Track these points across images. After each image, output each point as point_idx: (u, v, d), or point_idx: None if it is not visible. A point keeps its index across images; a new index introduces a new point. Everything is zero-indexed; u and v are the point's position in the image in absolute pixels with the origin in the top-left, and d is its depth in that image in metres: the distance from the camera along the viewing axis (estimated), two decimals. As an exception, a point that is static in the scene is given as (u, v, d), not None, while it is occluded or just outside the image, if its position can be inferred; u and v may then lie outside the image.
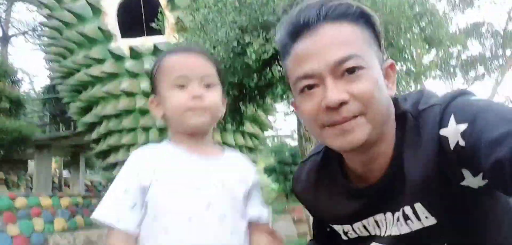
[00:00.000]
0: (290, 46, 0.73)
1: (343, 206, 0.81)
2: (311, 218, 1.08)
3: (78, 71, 9.01)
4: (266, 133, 11.87)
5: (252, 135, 9.83)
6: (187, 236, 0.82)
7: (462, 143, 0.62)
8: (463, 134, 0.62)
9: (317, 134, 0.74)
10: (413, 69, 4.91)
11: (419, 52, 4.82)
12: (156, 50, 8.26)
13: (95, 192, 12.17)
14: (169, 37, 8.23)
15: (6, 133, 8.83)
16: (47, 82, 12.51)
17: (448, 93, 0.71)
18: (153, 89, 0.96)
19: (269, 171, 14.97)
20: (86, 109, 9.22)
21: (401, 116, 0.74)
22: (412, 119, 0.72)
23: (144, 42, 8.53)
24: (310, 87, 0.70)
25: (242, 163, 0.96)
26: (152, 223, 0.83)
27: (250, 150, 10.29)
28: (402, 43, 4.59)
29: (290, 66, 0.74)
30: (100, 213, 0.83)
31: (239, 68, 4.47)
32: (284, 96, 6.67)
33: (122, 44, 8.62)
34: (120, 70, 8.47)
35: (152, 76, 0.96)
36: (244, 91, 5.39)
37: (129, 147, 8.43)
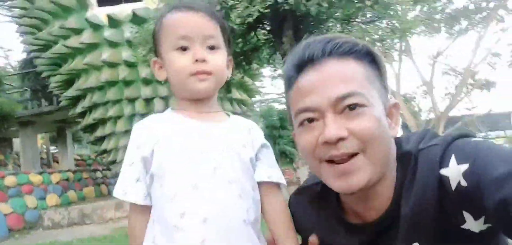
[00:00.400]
0: (294, 78, 0.74)
1: (340, 239, 0.81)
2: (301, 180, 1.07)
3: (55, 43, 8.67)
4: (254, 99, 11.86)
5: (239, 101, 9.79)
6: (194, 202, 0.79)
7: (463, 183, 0.61)
8: (465, 174, 0.61)
9: (315, 168, 0.74)
10: (398, 25, 4.87)
11: (404, 8, 4.77)
12: (135, 17, 7.97)
13: (85, 166, 12.11)
14: (148, 2, 7.92)
15: (-14, 112, 8.60)
16: (24, 55, 12.01)
17: (449, 134, 0.70)
18: (155, 50, 0.91)
19: (258, 135, 15.00)
20: (68, 83, 8.97)
21: (402, 157, 0.73)
22: (413, 159, 0.70)
23: (123, 10, 8.19)
24: (310, 120, 0.71)
25: (248, 127, 0.92)
26: (160, 191, 0.81)
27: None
28: (388, -1, 4.53)
29: (293, 98, 0.74)
30: (115, 189, 0.85)
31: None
32: (270, 60, 6.61)
33: (99, 12, 8.26)
34: (100, 39, 8.17)
35: (154, 35, 0.91)
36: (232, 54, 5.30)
37: (115, 119, 8.32)
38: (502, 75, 19.66)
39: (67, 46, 8.32)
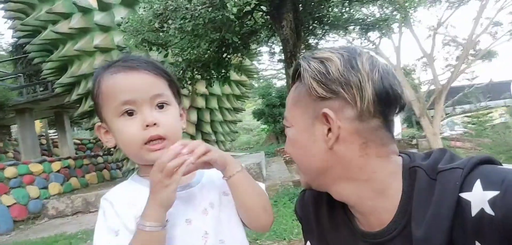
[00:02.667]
0: None
1: (347, 242, 0.81)
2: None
3: (44, 28, 8.39)
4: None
5: (239, 83, 9.64)
6: None
7: (489, 211, 0.59)
8: (493, 203, 0.59)
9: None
10: (400, 3, 4.69)
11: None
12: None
13: (85, 150, 12.07)
14: (138, -18, 7.61)
15: (-22, 100, 8.45)
16: (14, 40, 11.67)
17: (472, 157, 0.67)
18: (97, 112, 0.81)
19: (258, 114, 15.08)
20: (61, 69, 8.76)
21: (413, 170, 0.71)
22: (426, 177, 0.68)
23: (112, -9, 7.86)
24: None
25: (215, 172, 0.84)
26: None
27: (238, 97, 10.15)
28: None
29: None
30: None
31: (219, 23, 4.18)
32: (268, 42, 6.41)
33: (88, -5, 7.94)
34: (90, 24, 7.90)
35: (93, 98, 0.81)
36: (226, 42, 5.12)
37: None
38: (503, 45, 19.41)
39: (56, 32, 8.05)
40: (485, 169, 0.64)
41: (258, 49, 8.56)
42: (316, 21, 5.39)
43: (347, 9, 4.99)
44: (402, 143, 11.10)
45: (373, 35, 8.23)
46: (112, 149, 9.53)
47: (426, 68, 9.73)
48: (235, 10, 3.61)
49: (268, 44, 6.35)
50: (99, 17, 7.84)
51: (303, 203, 0.91)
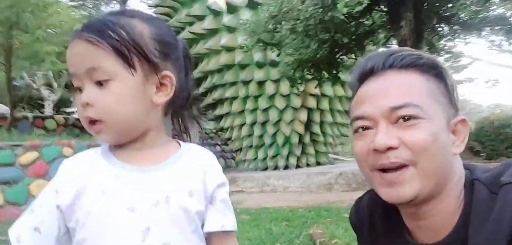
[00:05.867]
0: (356, 88, 0.76)
1: None
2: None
3: (183, 29, 9.69)
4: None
5: (351, 84, 9.29)
6: None
7: None
8: None
9: (366, 176, 0.74)
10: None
11: None
12: (250, 1, 8.27)
13: (208, 139, 13.53)
14: (263, -15, 8.11)
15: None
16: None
17: None
18: None
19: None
20: (193, 65, 9.98)
21: (471, 185, 0.69)
22: (486, 190, 0.67)
23: (240, -5, 8.58)
24: (364, 128, 0.71)
25: (202, 166, 0.71)
26: None
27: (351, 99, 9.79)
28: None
29: (352, 107, 0.76)
30: (12, 228, 0.68)
31: (329, 23, 4.14)
32: (387, 43, 6.01)
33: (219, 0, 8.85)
34: (219, 25, 8.78)
35: None
36: (339, 43, 5.03)
37: (231, 100, 8.95)
38: None
39: (192, 32, 9.22)
40: None
41: (375, 50, 8.10)
42: (443, 21, 4.80)
43: (485, 6, 4.29)
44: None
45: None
46: (228, 142, 10.36)
47: None
48: (345, 10, 3.53)
49: (387, 45, 5.95)
50: (227, 19, 8.65)
51: (357, 212, 0.90)
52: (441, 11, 4.60)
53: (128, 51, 0.64)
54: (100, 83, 0.64)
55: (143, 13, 0.71)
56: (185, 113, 0.76)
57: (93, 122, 0.65)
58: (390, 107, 0.67)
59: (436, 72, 0.71)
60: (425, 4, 4.72)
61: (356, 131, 0.74)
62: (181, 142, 0.75)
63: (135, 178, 0.66)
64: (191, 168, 0.70)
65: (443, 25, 4.94)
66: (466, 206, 0.69)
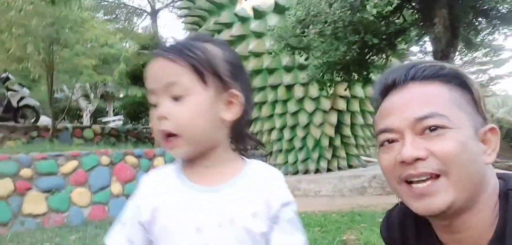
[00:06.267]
0: (379, 102, 0.76)
1: None
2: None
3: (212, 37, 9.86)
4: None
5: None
6: None
7: None
8: None
9: (394, 189, 0.73)
10: None
11: None
12: (277, 6, 8.28)
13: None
14: (289, -11, 8.10)
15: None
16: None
17: None
18: None
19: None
20: (222, 71, 10.13)
21: (507, 194, 0.68)
22: None
23: (266, 1, 8.61)
24: (390, 141, 0.71)
25: (261, 186, 0.73)
26: None
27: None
28: None
29: (376, 121, 0.76)
30: (109, 239, 0.76)
31: (358, 25, 4.06)
32: (420, 41, 5.81)
33: (246, 6, 8.92)
34: (247, 31, 8.86)
35: None
36: (368, 44, 4.92)
37: (260, 105, 8.98)
38: None
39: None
40: None
41: (408, 48, 7.85)
42: (480, 15, 4.57)
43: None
44: None
45: None
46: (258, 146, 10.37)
47: None
48: (374, 11, 3.46)
49: (420, 43, 5.75)
50: (254, 24, 8.72)
51: (388, 227, 0.88)
52: (478, 5, 4.39)
53: (203, 68, 0.70)
54: (176, 98, 0.69)
55: (215, 39, 0.80)
56: (245, 133, 0.79)
57: (168, 137, 0.70)
58: (415, 118, 0.67)
59: (460, 82, 0.70)
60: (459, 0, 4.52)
61: (381, 144, 0.73)
62: (245, 159, 0.78)
63: (202, 198, 0.71)
64: (254, 188, 0.73)
65: (480, 19, 4.71)
66: (501, 218, 0.67)
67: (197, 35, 0.84)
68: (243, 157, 0.78)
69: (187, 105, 0.69)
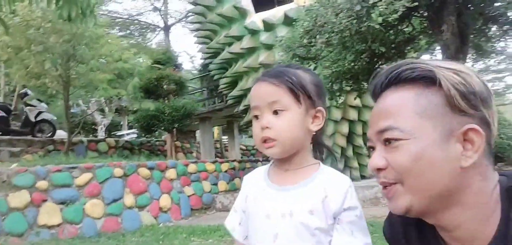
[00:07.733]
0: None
1: None
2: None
3: (223, 50, 10.02)
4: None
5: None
6: None
7: None
8: None
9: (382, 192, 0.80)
10: None
11: None
12: (286, 19, 8.37)
13: (249, 155, 13.67)
14: (298, 1, 8.17)
15: (177, 110, 10.79)
16: (202, 61, 14.40)
17: None
18: None
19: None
20: (233, 84, 10.24)
21: (509, 191, 0.68)
22: None
23: (275, 13, 8.72)
24: (372, 148, 0.76)
25: (321, 189, 0.87)
26: None
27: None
28: None
29: None
30: (226, 220, 1.02)
31: (365, 33, 4.08)
32: (429, 48, 5.77)
33: (256, 19, 9.05)
34: (256, 44, 8.97)
35: None
36: (377, 53, 4.92)
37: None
38: None
39: (231, 52, 9.48)
40: None
41: (418, 57, 7.79)
42: (490, 21, 4.53)
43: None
44: None
45: None
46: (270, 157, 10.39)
47: None
48: (380, 20, 3.47)
49: (429, 50, 5.71)
50: (264, 37, 8.81)
51: (391, 225, 0.88)
52: (487, 11, 4.35)
53: (297, 90, 0.89)
54: (276, 112, 0.89)
55: (303, 67, 0.99)
56: (322, 141, 0.98)
57: (266, 141, 0.90)
58: (376, 131, 0.73)
59: (432, 82, 0.67)
60: (469, 5, 4.49)
61: (368, 148, 0.80)
62: (321, 164, 0.95)
63: (274, 194, 0.91)
64: (316, 189, 0.88)
65: (490, 26, 4.66)
66: (504, 216, 0.66)
67: (290, 64, 1.09)
68: (319, 162, 0.95)
69: (285, 118, 0.88)
